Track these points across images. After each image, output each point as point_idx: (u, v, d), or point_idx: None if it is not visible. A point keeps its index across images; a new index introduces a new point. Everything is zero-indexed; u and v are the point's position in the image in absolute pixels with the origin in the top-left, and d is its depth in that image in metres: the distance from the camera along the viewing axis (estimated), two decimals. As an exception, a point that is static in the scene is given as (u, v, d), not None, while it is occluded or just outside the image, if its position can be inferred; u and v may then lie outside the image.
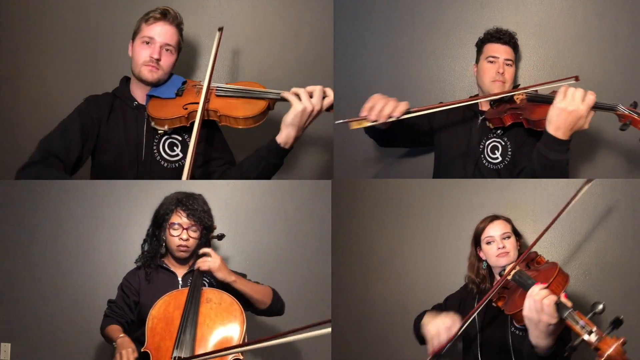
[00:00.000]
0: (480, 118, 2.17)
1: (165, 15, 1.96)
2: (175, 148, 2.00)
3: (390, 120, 1.86)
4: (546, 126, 1.77)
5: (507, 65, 2.13)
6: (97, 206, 2.44)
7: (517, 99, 2.05)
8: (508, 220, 1.97)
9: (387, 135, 2.08)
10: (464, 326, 1.65)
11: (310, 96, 1.82)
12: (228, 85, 1.96)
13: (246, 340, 1.78)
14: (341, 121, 1.90)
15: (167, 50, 1.97)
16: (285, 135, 1.83)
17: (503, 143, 2.12)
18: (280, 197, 2.49)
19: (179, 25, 2.01)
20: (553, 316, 1.43)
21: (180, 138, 2.00)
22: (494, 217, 1.97)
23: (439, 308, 2.01)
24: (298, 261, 2.46)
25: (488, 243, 1.93)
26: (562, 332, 1.51)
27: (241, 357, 1.74)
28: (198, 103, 1.88)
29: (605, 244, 2.27)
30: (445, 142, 2.23)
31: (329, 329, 1.47)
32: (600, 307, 1.37)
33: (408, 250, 2.48)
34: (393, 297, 2.46)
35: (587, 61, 2.36)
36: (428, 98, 2.40)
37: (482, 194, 2.38)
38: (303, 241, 2.47)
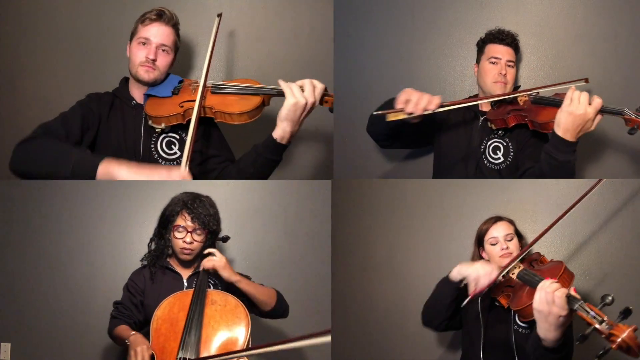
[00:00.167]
0: (481, 119, 2.17)
1: (160, 16, 1.98)
2: (173, 146, 2.00)
3: (426, 113, 1.89)
4: (554, 128, 1.81)
5: (509, 66, 2.14)
6: (97, 206, 2.44)
7: (520, 100, 2.06)
8: (511, 222, 1.99)
9: (392, 135, 2.11)
10: (503, 272, 1.75)
11: (302, 90, 1.82)
12: (223, 83, 1.97)
13: (251, 343, 1.78)
14: (378, 112, 1.93)
15: (163, 50, 1.98)
16: (281, 131, 1.82)
17: (504, 143, 2.12)
18: (280, 197, 2.49)
19: (174, 26, 2.02)
20: (564, 308, 1.46)
21: (177, 136, 2.01)
22: (498, 219, 1.98)
23: None
24: (298, 261, 2.46)
25: (492, 244, 1.94)
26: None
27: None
28: (194, 100, 1.89)
29: (605, 243, 2.27)
30: (446, 142, 2.23)
31: (329, 338, 1.48)
32: (610, 298, 1.41)
33: (408, 250, 2.48)
34: (393, 297, 2.46)
35: (587, 61, 2.36)
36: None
37: (482, 194, 2.38)
38: (303, 241, 2.47)
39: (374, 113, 1.94)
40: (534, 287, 1.58)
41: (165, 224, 1.95)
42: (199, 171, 2.03)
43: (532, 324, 1.75)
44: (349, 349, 2.46)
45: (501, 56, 2.13)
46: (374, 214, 2.52)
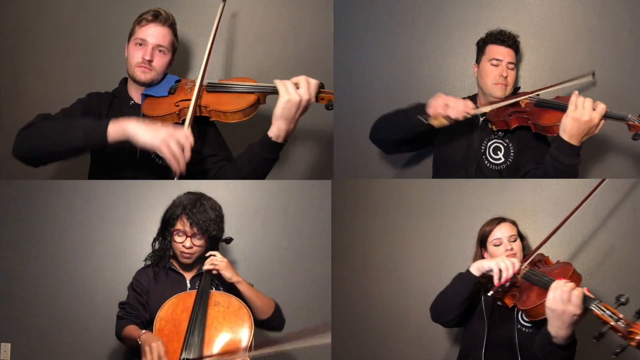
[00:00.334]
0: (482, 119, 2.17)
1: (157, 16, 1.98)
2: None
3: (467, 117, 1.95)
4: (560, 133, 1.85)
5: (510, 68, 2.14)
6: (97, 206, 2.44)
7: (522, 102, 2.07)
8: (514, 223, 2.00)
9: (403, 142, 2.18)
10: (527, 262, 1.83)
11: (297, 87, 1.81)
12: (218, 82, 1.97)
13: (253, 344, 1.78)
14: (421, 118, 1.97)
15: (159, 51, 1.98)
16: (276, 129, 1.82)
17: (505, 144, 2.13)
18: (280, 197, 2.49)
19: (171, 26, 2.02)
20: (579, 307, 1.50)
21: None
22: (501, 219, 1.99)
23: None
24: (298, 261, 2.46)
25: (495, 245, 1.96)
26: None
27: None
28: (189, 100, 1.89)
29: (606, 244, 2.28)
30: (446, 143, 2.23)
31: (329, 340, 1.49)
32: (625, 298, 1.47)
33: (408, 250, 2.49)
34: (393, 297, 2.46)
35: (587, 61, 2.36)
36: (428, 98, 2.38)
37: (482, 194, 2.38)
38: (303, 241, 2.47)
39: (418, 117, 1.98)
40: (544, 287, 1.63)
41: (166, 226, 1.96)
42: (196, 171, 2.03)
43: (537, 323, 1.77)
44: (348, 349, 2.46)
45: (502, 58, 2.13)
46: (374, 214, 2.52)
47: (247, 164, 1.90)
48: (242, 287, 1.91)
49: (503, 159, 2.12)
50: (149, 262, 2.01)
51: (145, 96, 2.00)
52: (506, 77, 2.12)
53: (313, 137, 2.45)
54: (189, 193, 1.98)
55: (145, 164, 1.98)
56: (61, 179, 2.42)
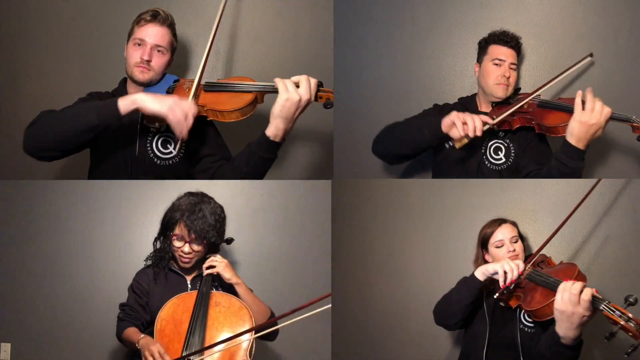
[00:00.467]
0: (482, 119, 2.17)
1: (155, 16, 1.97)
2: (168, 145, 2.00)
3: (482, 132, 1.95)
4: (567, 137, 1.85)
5: (512, 69, 2.14)
6: (97, 206, 2.43)
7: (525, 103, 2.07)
8: (514, 224, 2.01)
9: (408, 156, 2.19)
10: (530, 263, 1.83)
11: (297, 86, 1.81)
12: (216, 81, 1.97)
13: (254, 346, 1.78)
14: (447, 145, 1.97)
15: (158, 51, 1.98)
16: (274, 128, 1.81)
17: (506, 144, 2.13)
18: (280, 197, 2.49)
19: (170, 26, 2.01)
20: (589, 308, 1.52)
21: (173, 135, 2.01)
22: (502, 221, 2.00)
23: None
24: (298, 261, 2.46)
25: (497, 247, 1.96)
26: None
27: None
28: (186, 99, 1.88)
29: (605, 244, 2.28)
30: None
31: (329, 338, 1.49)
32: (633, 298, 1.49)
33: (408, 250, 2.49)
34: (393, 297, 2.46)
35: (592, 64, 2.36)
36: (428, 98, 2.40)
37: (482, 194, 2.38)
38: (303, 241, 2.47)
39: (445, 145, 1.98)
40: (550, 288, 1.65)
41: (165, 229, 1.96)
42: (195, 170, 2.03)
43: (541, 323, 1.78)
44: (349, 349, 2.46)
45: (505, 58, 2.13)
46: (374, 214, 2.52)
47: (245, 164, 1.90)
48: (240, 290, 1.91)
49: (504, 159, 2.12)
50: (149, 262, 2.01)
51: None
52: (508, 78, 2.12)
53: (313, 137, 2.45)
54: (189, 195, 1.97)
55: (145, 164, 1.98)
56: (61, 179, 2.42)
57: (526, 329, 1.88)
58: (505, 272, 1.76)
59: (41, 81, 2.43)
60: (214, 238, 1.92)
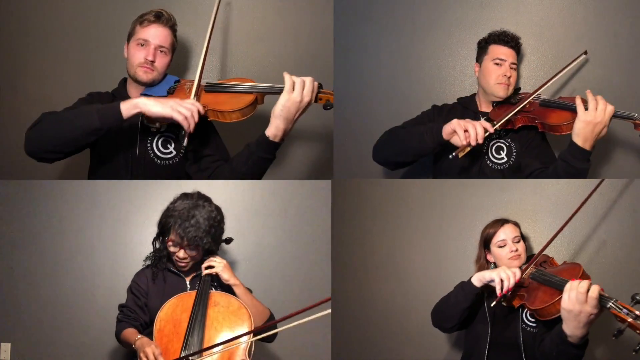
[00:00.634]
0: (483, 119, 2.17)
1: (159, 17, 1.98)
2: (168, 145, 2.01)
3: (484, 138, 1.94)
4: (573, 138, 1.86)
5: (512, 68, 2.14)
6: (97, 206, 2.43)
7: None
8: (516, 224, 2.01)
9: (408, 163, 2.18)
10: (527, 270, 1.82)
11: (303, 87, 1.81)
12: (217, 82, 1.98)
13: (253, 346, 1.78)
14: (452, 157, 1.94)
15: (161, 51, 1.98)
16: (274, 128, 1.82)
17: (507, 144, 2.13)
18: (280, 197, 2.49)
19: (172, 27, 2.02)
20: (596, 306, 1.53)
21: (173, 136, 2.01)
22: (504, 221, 2.00)
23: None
24: (298, 261, 2.46)
25: (500, 247, 1.96)
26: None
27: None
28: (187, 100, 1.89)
29: (605, 243, 2.28)
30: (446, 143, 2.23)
31: (329, 338, 1.49)
32: None
33: (408, 250, 2.48)
34: (393, 297, 2.46)
35: (589, 59, 2.36)
36: (428, 98, 2.40)
37: (482, 194, 2.38)
38: (303, 241, 2.47)
39: (450, 156, 1.95)
40: (556, 287, 1.66)
41: (161, 233, 1.96)
42: (192, 170, 2.04)
43: (545, 323, 1.78)
44: (349, 349, 2.46)
45: (506, 58, 2.13)
46: (374, 214, 2.52)
47: (243, 164, 1.90)
48: (238, 291, 1.92)
49: (506, 159, 2.12)
50: (149, 262, 2.01)
51: (144, 96, 2.00)
52: (509, 77, 2.12)
53: (313, 137, 2.45)
54: (184, 197, 1.96)
55: (146, 164, 1.98)
56: (61, 179, 2.42)
57: (528, 329, 1.88)
58: (501, 280, 1.76)
59: (41, 81, 2.43)
60: (207, 245, 1.91)
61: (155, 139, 2.00)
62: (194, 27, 2.40)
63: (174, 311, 1.80)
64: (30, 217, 2.43)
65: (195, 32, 2.41)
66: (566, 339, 1.60)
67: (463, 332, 2.06)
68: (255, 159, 1.87)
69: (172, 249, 1.93)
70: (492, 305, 1.80)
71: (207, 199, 1.97)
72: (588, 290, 1.54)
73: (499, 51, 2.15)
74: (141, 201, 2.41)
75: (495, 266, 2.00)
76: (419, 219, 2.48)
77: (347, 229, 2.51)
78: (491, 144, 2.14)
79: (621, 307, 1.50)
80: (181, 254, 1.91)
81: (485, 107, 2.21)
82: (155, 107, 1.77)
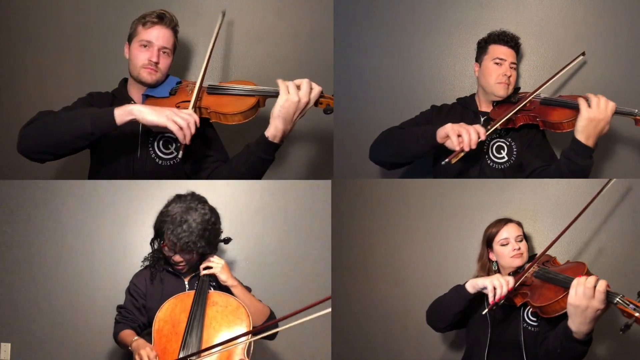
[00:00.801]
0: (483, 119, 2.17)
1: (162, 18, 1.98)
2: (170, 146, 2.01)
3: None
4: (576, 135, 1.86)
5: (512, 68, 2.15)
6: (97, 206, 2.44)
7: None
8: (519, 224, 2.03)
9: (405, 164, 2.18)
10: (521, 279, 1.81)
11: (298, 88, 1.81)
12: (219, 84, 1.98)
13: (252, 345, 1.78)
14: (444, 163, 1.92)
15: (164, 52, 1.99)
16: (273, 129, 1.82)
17: (508, 143, 2.13)
18: (280, 197, 2.49)
19: (174, 28, 2.03)
20: (603, 302, 1.54)
21: (175, 137, 2.01)
22: (507, 220, 2.02)
23: None
24: (298, 261, 2.46)
25: (502, 245, 1.98)
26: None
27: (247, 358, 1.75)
28: (189, 101, 1.90)
29: (605, 243, 2.28)
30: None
31: (329, 338, 1.49)
32: None
33: (408, 250, 2.48)
34: (393, 297, 2.46)
35: (587, 61, 2.36)
36: (428, 98, 2.40)
37: (482, 194, 2.38)
38: (303, 241, 2.47)
39: (443, 163, 1.93)
40: (561, 285, 1.67)
41: (156, 236, 1.96)
42: (191, 170, 2.04)
43: (546, 321, 1.78)
44: (349, 348, 2.46)
45: (506, 58, 2.14)
46: (374, 214, 2.52)
47: (243, 164, 1.90)
48: (237, 291, 1.92)
49: (506, 158, 2.12)
50: (147, 263, 2.01)
51: (145, 97, 2.00)
52: (509, 77, 2.13)
53: (313, 138, 2.46)
54: (177, 200, 1.94)
55: (147, 164, 1.98)
56: (61, 179, 2.42)
57: (530, 328, 1.88)
58: (494, 288, 1.75)
59: (41, 81, 2.43)
60: (202, 249, 1.89)
61: (157, 139, 2.00)
62: (194, 28, 2.40)
63: (172, 311, 1.80)
64: (30, 217, 2.43)
65: (196, 33, 2.42)
66: (571, 335, 1.60)
67: (463, 331, 2.07)
68: (255, 159, 1.87)
69: (167, 252, 1.93)
70: (483, 313, 1.80)
71: (202, 200, 1.95)
72: (595, 285, 1.54)
73: (498, 51, 2.15)
74: (141, 201, 2.41)
75: (498, 265, 2.00)
76: (419, 219, 2.48)
77: (347, 229, 2.51)
78: (491, 143, 2.14)
79: (628, 303, 1.51)
80: (176, 258, 1.92)
81: (485, 106, 2.21)
82: (150, 115, 1.74)
